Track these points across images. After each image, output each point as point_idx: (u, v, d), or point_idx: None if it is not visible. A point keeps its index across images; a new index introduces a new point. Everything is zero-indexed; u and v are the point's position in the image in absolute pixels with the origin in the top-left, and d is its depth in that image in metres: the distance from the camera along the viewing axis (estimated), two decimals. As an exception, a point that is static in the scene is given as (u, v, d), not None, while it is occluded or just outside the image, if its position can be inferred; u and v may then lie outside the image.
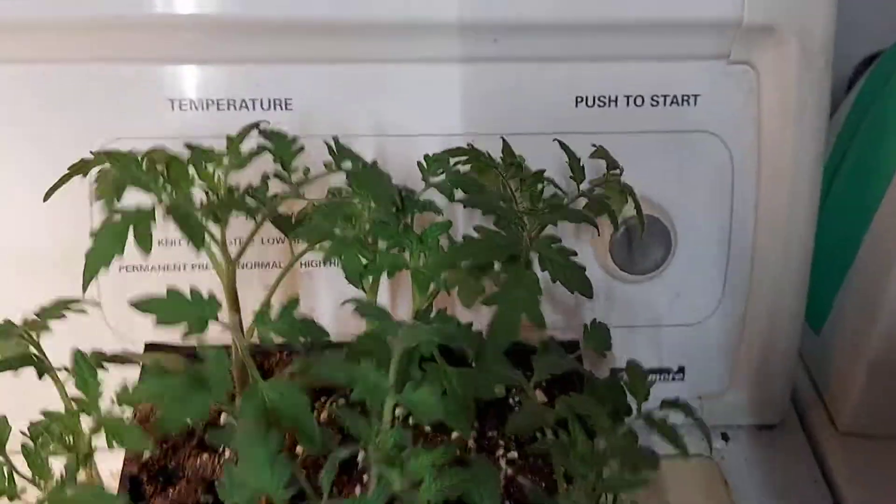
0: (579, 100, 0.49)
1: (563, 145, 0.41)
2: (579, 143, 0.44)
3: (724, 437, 0.54)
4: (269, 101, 0.49)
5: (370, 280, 0.40)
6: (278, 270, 0.46)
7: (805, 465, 0.53)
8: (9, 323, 0.36)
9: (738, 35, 0.47)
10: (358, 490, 0.37)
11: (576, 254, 0.37)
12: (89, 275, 0.30)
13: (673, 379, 0.54)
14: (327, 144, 0.38)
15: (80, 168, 0.36)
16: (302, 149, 0.36)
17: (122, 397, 0.34)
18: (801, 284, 0.51)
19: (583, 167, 0.41)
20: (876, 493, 0.51)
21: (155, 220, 0.30)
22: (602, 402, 0.36)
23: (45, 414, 0.36)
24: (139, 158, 0.34)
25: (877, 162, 0.52)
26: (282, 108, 0.49)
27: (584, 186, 0.41)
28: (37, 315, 0.37)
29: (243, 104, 0.49)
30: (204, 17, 0.46)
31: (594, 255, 0.51)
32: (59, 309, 0.37)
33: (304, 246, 0.38)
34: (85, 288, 0.31)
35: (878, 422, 0.53)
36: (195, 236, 0.30)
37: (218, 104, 0.49)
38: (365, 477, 0.37)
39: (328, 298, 0.50)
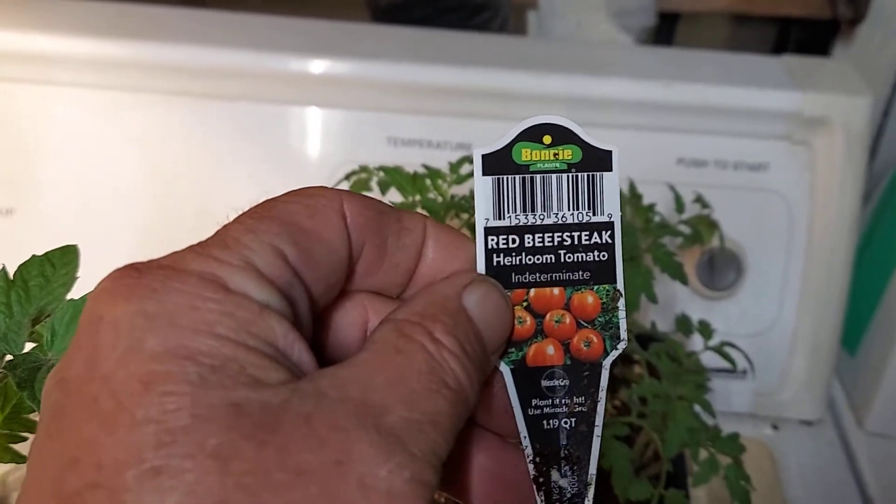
0: (679, 160, 0.67)
1: (672, 188, 0.59)
2: (680, 192, 0.62)
3: (774, 427, 0.70)
4: (456, 144, 0.69)
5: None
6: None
7: (835, 453, 0.68)
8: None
9: (799, 122, 0.65)
10: None
11: (676, 255, 0.55)
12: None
13: (737, 377, 0.70)
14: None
15: (356, 175, 0.56)
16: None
17: None
18: (839, 310, 0.67)
19: (682, 203, 0.59)
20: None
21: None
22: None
23: None
24: (397, 171, 0.54)
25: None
26: (464, 150, 0.69)
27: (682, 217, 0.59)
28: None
29: (437, 145, 0.69)
30: (420, 84, 0.66)
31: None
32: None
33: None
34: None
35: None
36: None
37: (420, 144, 0.69)
38: None
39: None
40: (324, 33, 0.71)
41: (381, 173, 0.54)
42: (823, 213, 0.67)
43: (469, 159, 0.58)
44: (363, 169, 0.56)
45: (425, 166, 0.55)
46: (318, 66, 0.66)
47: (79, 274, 0.33)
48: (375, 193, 0.55)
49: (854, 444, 0.69)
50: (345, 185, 0.56)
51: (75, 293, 0.32)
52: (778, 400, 0.70)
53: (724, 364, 0.67)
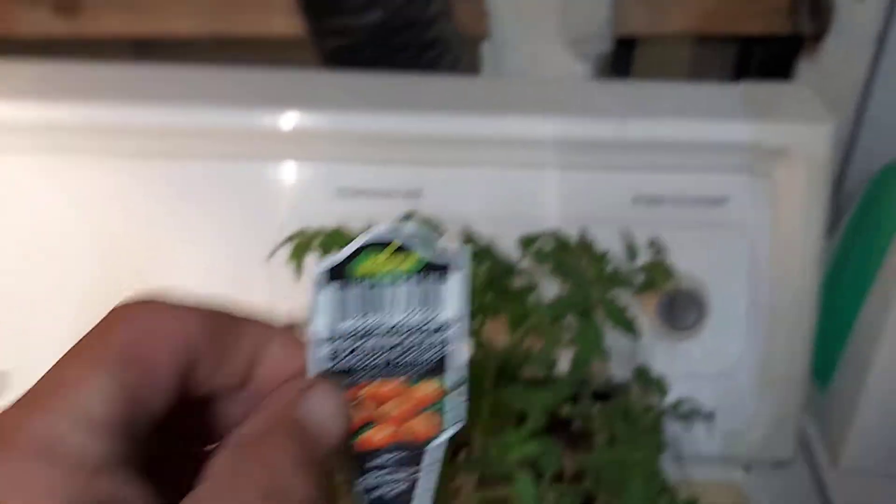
0: (636, 199, 0.65)
1: (623, 235, 0.57)
2: (635, 233, 0.60)
3: (746, 468, 0.68)
4: (406, 192, 0.67)
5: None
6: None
7: (810, 492, 0.67)
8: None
9: (757, 154, 0.63)
10: None
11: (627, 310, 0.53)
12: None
13: (704, 419, 0.68)
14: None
15: (298, 237, 0.54)
16: (442, 234, 0.54)
17: None
18: (807, 345, 0.65)
19: (634, 251, 0.57)
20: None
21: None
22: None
23: None
24: (335, 233, 0.52)
25: (869, 256, 0.66)
26: (415, 197, 0.66)
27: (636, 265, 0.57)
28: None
29: (387, 194, 0.67)
30: (368, 133, 0.64)
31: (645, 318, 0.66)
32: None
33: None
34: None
35: (872, 460, 0.67)
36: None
37: (370, 194, 0.66)
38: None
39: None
40: (269, 84, 0.68)
41: (323, 236, 0.52)
42: (786, 246, 0.65)
43: (409, 215, 0.56)
44: (301, 233, 0.54)
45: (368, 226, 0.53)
46: (265, 118, 0.64)
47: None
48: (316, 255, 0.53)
49: (829, 482, 0.67)
50: (286, 249, 0.54)
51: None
52: (748, 440, 0.68)
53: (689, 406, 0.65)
